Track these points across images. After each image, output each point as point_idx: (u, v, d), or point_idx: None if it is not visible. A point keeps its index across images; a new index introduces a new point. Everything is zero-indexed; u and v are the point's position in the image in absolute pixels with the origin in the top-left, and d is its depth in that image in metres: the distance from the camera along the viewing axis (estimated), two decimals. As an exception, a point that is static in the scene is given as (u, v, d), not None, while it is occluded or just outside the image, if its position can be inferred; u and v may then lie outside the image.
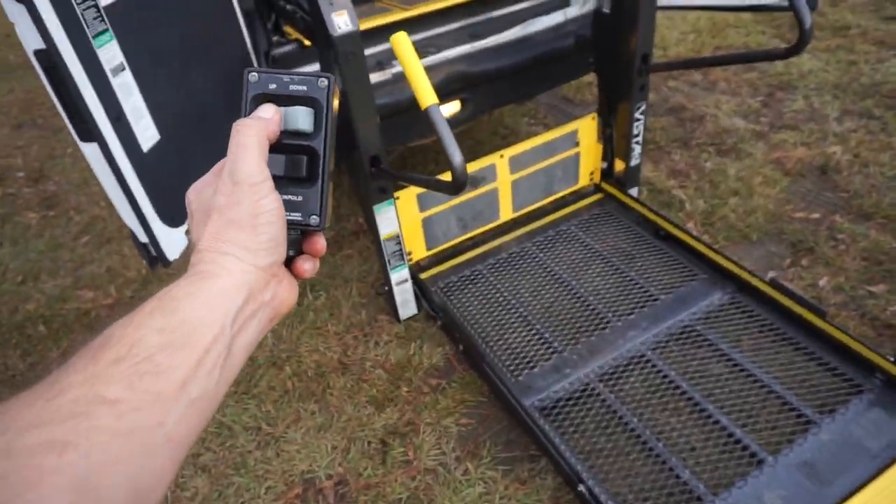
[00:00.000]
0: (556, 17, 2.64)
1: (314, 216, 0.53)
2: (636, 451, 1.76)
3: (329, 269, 2.68)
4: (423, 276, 2.38)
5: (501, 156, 2.40)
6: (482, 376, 2.04)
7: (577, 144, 2.57)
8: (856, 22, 4.07)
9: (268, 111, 0.52)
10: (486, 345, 2.09)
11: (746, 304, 2.05)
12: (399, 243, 2.17)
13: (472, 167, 2.34)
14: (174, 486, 1.93)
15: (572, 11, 2.66)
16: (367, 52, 2.37)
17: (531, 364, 2.00)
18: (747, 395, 1.82)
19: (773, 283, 1.98)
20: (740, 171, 2.87)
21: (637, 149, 2.52)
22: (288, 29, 2.58)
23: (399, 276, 2.24)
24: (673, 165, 3.00)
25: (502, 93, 2.63)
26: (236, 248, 0.48)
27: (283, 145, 0.52)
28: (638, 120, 2.44)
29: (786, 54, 1.88)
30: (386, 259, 2.17)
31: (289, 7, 2.29)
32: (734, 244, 2.50)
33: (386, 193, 2.03)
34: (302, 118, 0.52)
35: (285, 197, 0.51)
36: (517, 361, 2.02)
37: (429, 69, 2.39)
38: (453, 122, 2.54)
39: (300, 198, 0.52)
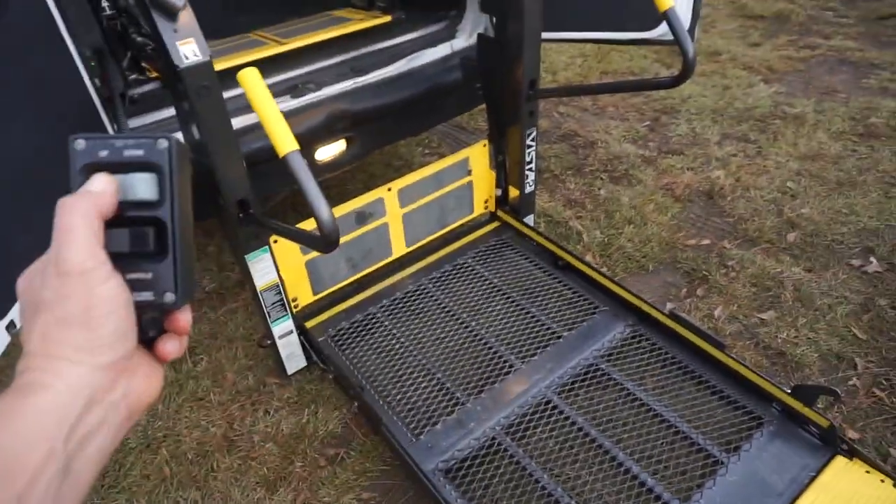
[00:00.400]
0: (442, 50, 2.55)
1: (168, 293, 0.47)
2: None
3: (211, 328, 2.42)
4: (310, 323, 2.18)
5: (389, 189, 2.25)
6: (379, 437, 1.88)
7: (469, 173, 2.47)
8: (726, 48, 4.31)
9: (98, 183, 0.45)
10: (383, 401, 1.91)
11: (648, 336, 2.02)
12: (280, 293, 1.95)
13: (359, 202, 2.18)
14: None
15: (459, 43, 2.59)
16: (238, 91, 2.17)
17: (433, 420, 1.85)
18: (655, 438, 1.78)
19: (673, 316, 1.97)
20: (633, 198, 2.90)
21: (531, 175, 2.45)
22: (148, 65, 2.32)
23: (282, 329, 2.03)
24: (568, 195, 2.99)
25: (390, 130, 2.51)
26: (69, 350, 0.42)
27: (125, 218, 0.46)
28: (529, 146, 2.37)
29: (673, 83, 1.88)
30: (265, 311, 1.95)
31: (140, 39, 2.06)
32: (632, 275, 2.50)
33: (258, 240, 1.82)
34: (142, 186, 0.46)
35: (132, 276, 0.46)
36: (418, 418, 1.86)
37: (309, 108, 2.22)
38: (339, 163, 2.37)
39: (150, 275, 0.46)
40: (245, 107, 2.08)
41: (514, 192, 2.49)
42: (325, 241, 1.38)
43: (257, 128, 2.06)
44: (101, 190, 0.45)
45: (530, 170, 2.42)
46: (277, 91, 2.23)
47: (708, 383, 1.86)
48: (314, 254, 2.12)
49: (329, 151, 2.30)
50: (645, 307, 2.03)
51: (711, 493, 1.57)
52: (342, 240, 2.17)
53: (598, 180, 3.08)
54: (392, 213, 2.29)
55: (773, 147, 3.18)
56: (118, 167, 0.46)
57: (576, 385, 1.92)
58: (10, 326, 1.33)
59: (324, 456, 1.94)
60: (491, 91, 2.40)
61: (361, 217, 2.21)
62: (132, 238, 0.46)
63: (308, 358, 2.15)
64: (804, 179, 2.91)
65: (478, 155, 2.45)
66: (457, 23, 2.63)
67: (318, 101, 2.24)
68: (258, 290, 1.89)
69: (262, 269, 1.87)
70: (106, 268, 0.44)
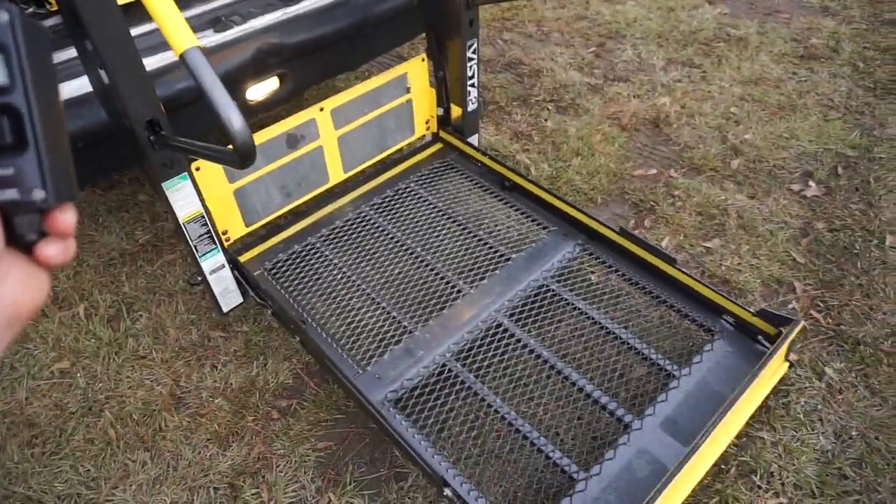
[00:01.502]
0: None
1: (37, 190, 0.42)
2: (502, 436, 1.70)
3: (148, 282, 2.30)
4: (244, 257, 2.05)
5: (322, 109, 2.09)
6: (325, 371, 1.83)
7: (407, 90, 2.32)
8: (672, -34, 4.19)
9: None
10: (326, 334, 1.85)
11: (598, 255, 2.00)
12: (206, 225, 1.80)
13: (289, 124, 2.03)
14: (-29, 589, 1.57)
15: (394, -34, 2.41)
16: (146, 27, 1.96)
17: (380, 350, 1.80)
18: (608, 356, 1.81)
19: (623, 232, 1.94)
20: (580, 129, 2.85)
21: (473, 92, 2.33)
22: (49, -4, 2.08)
23: (213, 263, 1.89)
24: (515, 127, 2.92)
25: (327, 64, 2.34)
26: None
27: None
28: (471, 59, 2.23)
29: None
30: (192, 246, 1.81)
31: None
32: (581, 208, 2.48)
33: (175, 167, 1.66)
34: None
35: None
36: (364, 349, 1.82)
37: (235, 43, 2.04)
38: (273, 101, 2.22)
39: (11, 170, 0.41)
40: (156, 45, 1.90)
41: (456, 112, 2.37)
42: (239, 154, 1.23)
43: (170, 70, 1.89)
44: None
45: (472, 85, 2.30)
46: (197, 25, 2.03)
47: (659, 298, 1.86)
48: (242, 181, 1.98)
49: (261, 90, 2.14)
50: (594, 225, 2.00)
51: (663, 406, 1.59)
52: (273, 166, 2.05)
53: (545, 111, 3.01)
54: (326, 135, 2.14)
55: (718, 71, 3.16)
56: None
57: (526, 307, 1.90)
58: None
59: (276, 408, 1.90)
60: (428, 3, 2.25)
61: (293, 140, 2.06)
62: None
63: (244, 293, 2.03)
64: (747, 104, 2.92)
65: (416, 70, 2.30)
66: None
67: (246, 35, 2.05)
68: (181, 221, 1.75)
69: (182, 199, 1.72)
70: None
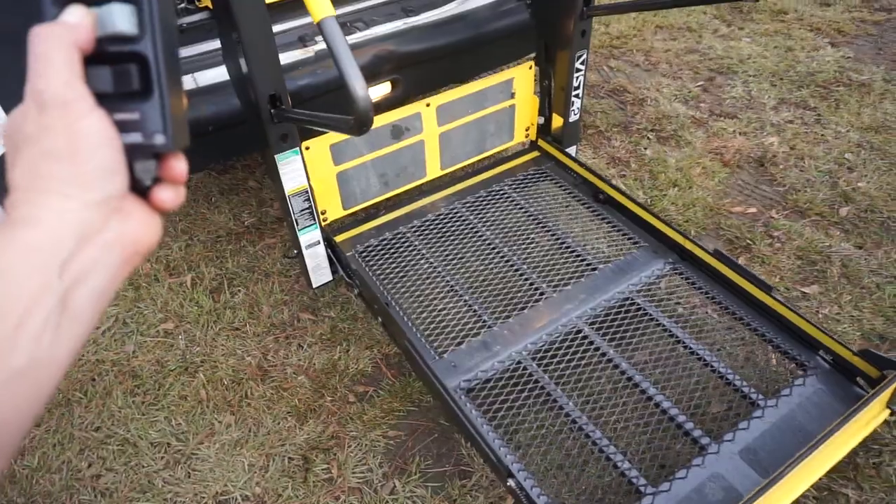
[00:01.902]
0: None
1: (158, 134, 0.44)
2: (571, 440, 1.70)
3: (249, 261, 2.47)
4: (339, 238, 2.15)
5: (428, 104, 2.18)
6: (402, 353, 1.89)
7: (512, 96, 2.38)
8: (793, 6, 4.07)
9: (74, 14, 0.42)
10: (408, 318, 1.91)
11: (689, 275, 1.95)
12: (308, 200, 1.91)
13: (396, 115, 2.12)
14: (69, 514, 1.74)
15: (511, -13, 2.49)
16: (285, 26, 2.13)
17: (458, 340, 1.84)
18: (689, 375, 1.77)
19: (717, 254, 1.90)
20: (680, 160, 2.82)
21: (576, 102, 2.36)
22: (198, -7, 2.30)
23: (309, 238, 2.00)
24: (613, 153, 2.92)
25: (437, 74, 2.45)
26: (56, 184, 0.41)
27: (105, 54, 0.43)
28: (578, 70, 2.27)
29: None
30: (293, 218, 1.92)
31: None
32: (672, 239, 2.45)
33: (289, 141, 1.78)
34: (120, 18, 0.43)
35: (118, 116, 0.43)
36: (442, 337, 1.86)
37: (356, 47, 2.18)
38: (381, 105, 2.34)
39: (137, 115, 0.44)
40: (295, 42, 2.06)
41: (557, 122, 2.41)
42: (357, 121, 1.30)
43: (305, 64, 2.04)
44: (76, 21, 0.42)
45: (576, 96, 2.33)
46: None
47: (749, 325, 1.80)
48: (345, 165, 2.09)
49: (373, 93, 2.27)
50: (688, 245, 1.96)
51: (743, 434, 1.52)
52: (376, 154, 2.15)
53: (645, 139, 2.99)
54: (429, 130, 2.23)
55: (834, 116, 3.03)
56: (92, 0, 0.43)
57: (609, 317, 1.89)
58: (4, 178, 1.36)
59: (353, 392, 1.99)
60: (542, 8, 2.29)
61: (398, 131, 2.16)
62: (114, 75, 0.43)
63: (334, 272, 2.13)
64: (864, 152, 2.78)
65: (523, 77, 2.36)
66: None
67: (366, 41, 2.19)
68: (286, 193, 1.87)
69: (291, 172, 1.84)
70: (88, 101, 0.42)
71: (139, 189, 0.45)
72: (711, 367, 1.73)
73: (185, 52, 2.11)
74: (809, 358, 1.68)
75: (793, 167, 2.74)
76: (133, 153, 0.44)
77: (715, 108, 3.19)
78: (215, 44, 2.15)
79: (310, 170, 1.89)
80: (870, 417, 1.52)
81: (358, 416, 1.92)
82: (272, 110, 1.67)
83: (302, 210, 1.92)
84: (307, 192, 1.90)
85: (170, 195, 0.47)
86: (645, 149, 2.93)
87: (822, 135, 2.91)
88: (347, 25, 2.21)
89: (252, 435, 1.90)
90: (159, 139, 0.44)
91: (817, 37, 3.73)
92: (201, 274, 2.43)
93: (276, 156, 1.77)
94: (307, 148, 1.91)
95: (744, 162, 2.81)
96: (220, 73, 2.08)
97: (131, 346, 2.18)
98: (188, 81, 2.03)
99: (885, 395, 1.48)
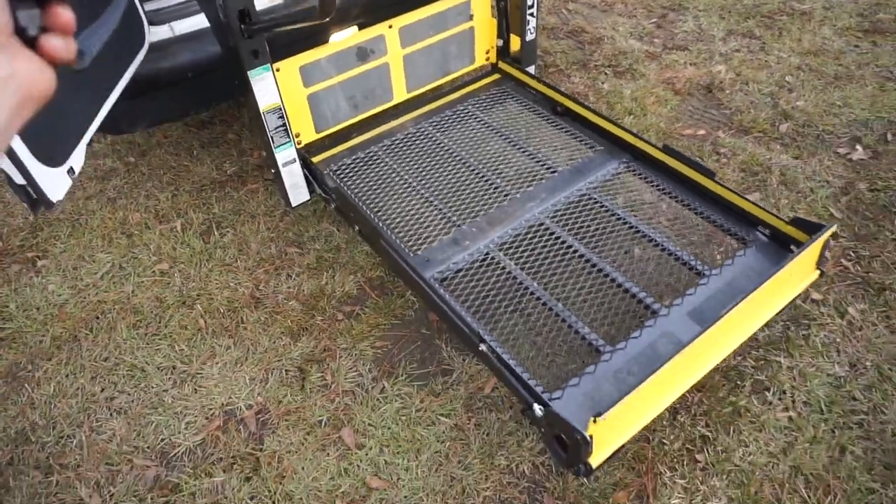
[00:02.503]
0: None
1: None
2: (536, 314, 1.90)
3: (234, 206, 2.62)
4: (314, 159, 2.28)
5: (390, 26, 2.31)
6: (380, 255, 2.05)
7: (470, 17, 2.51)
8: (742, -57, 4.21)
9: None
10: (382, 223, 2.08)
11: (641, 171, 2.15)
12: (282, 117, 2.02)
13: (360, 37, 2.25)
14: (88, 430, 1.91)
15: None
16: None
17: (430, 239, 2.02)
18: (643, 254, 1.98)
19: (666, 149, 2.09)
20: (635, 91, 3.00)
21: (532, 21, 2.50)
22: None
23: (286, 156, 2.10)
24: (573, 88, 3.08)
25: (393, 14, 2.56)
26: None
27: None
28: None
29: None
30: (269, 136, 2.01)
31: None
32: (628, 162, 2.64)
33: (260, 57, 1.86)
34: None
35: None
36: (415, 237, 2.04)
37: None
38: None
39: None
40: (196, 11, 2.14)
41: (515, 43, 2.56)
42: (322, 7, 1.39)
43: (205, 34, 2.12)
44: None
45: (531, 15, 2.47)
46: None
47: (696, 210, 1.99)
48: (316, 87, 2.22)
49: (341, 36, 2.39)
50: (640, 144, 2.16)
51: (691, 298, 1.71)
52: (343, 76, 2.28)
53: (602, 75, 3.16)
54: (393, 52, 2.36)
55: (777, 43, 3.22)
56: None
57: (568, 211, 2.09)
58: (70, 171, 1.51)
59: (341, 312, 2.17)
60: None
61: (363, 53, 2.28)
62: None
63: (311, 191, 2.25)
64: (803, 74, 2.99)
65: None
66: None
67: None
68: (261, 110, 1.96)
69: (264, 89, 1.93)
70: None
71: (27, 38, 0.45)
72: (662, 247, 1.93)
73: (160, 3, 2.22)
74: (749, 233, 1.88)
75: (738, 91, 2.93)
76: (14, 2, 0.43)
77: (668, 42, 3.36)
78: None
79: (283, 92, 2.00)
80: (800, 276, 1.72)
81: (347, 332, 2.10)
82: (242, 25, 1.77)
83: (277, 127, 2.03)
84: (280, 109, 2.00)
85: (58, 43, 0.46)
86: (602, 83, 3.10)
87: (766, 61, 3.11)
88: None
89: (251, 354, 2.07)
90: None
91: (764, -29, 3.89)
92: (190, 220, 2.57)
93: (249, 72, 1.87)
94: (278, 70, 2.01)
95: (694, 89, 2.99)
96: (195, 22, 2.19)
97: (130, 286, 2.33)
98: (165, 31, 2.15)
99: (812, 251, 1.66)
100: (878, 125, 2.65)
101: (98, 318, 2.24)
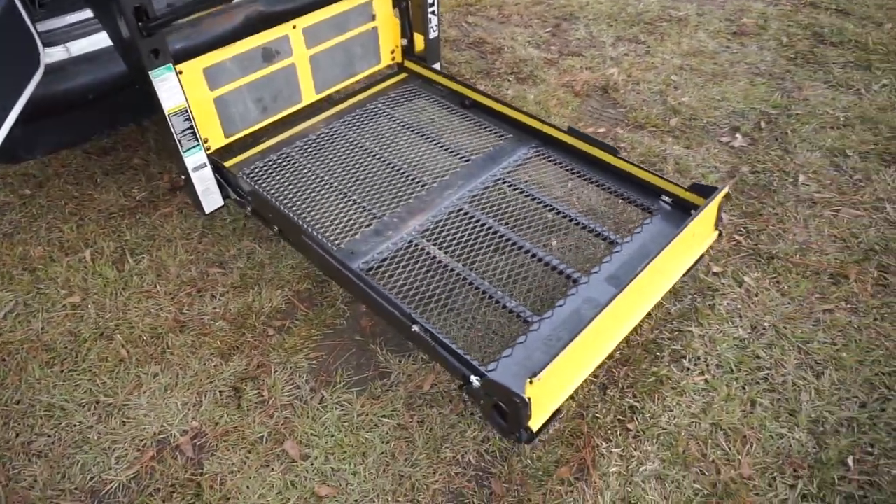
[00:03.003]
0: None
1: None
2: (464, 293, 1.96)
3: (147, 231, 2.52)
4: (227, 164, 2.23)
5: (294, 26, 2.31)
6: (302, 250, 2.04)
7: (373, 17, 2.56)
8: (620, -43, 4.55)
9: None
10: (302, 221, 2.07)
11: (550, 154, 2.27)
12: (189, 120, 1.96)
13: (265, 38, 2.24)
14: (5, 479, 1.78)
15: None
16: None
17: (352, 232, 2.04)
18: (559, 230, 2.10)
19: (571, 131, 2.22)
20: (538, 95, 3.16)
21: (434, 20, 2.59)
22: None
23: (195, 160, 2.04)
24: (479, 96, 3.20)
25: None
26: None
27: None
28: None
29: None
30: (177, 140, 1.94)
31: None
32: (538, 161, 2.79)
33: (161, 57, 1.79)
34: None
35: None
36: (337, 231, 2.04)
37: (227, 12, 2.28)
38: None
39: None
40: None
41: (419, 42, 2.65)
42: None
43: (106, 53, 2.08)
44: None
45: (433, 13, 2.56)
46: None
47: (603, 185, 2.13)
48: (221, 90, 2.19)
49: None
50: (546, 128, 2.28)
51: (608, 266, 1.83)
52: (250, 78, 2.25)
53: (506, 82, 3.31)
54: (299, 53, 2.37)
55: (661, 46, 3.50)
56: None
57: (485, 195, 2.18)
58: None
59: (271, 327, 2.15)
60: None
61: (268, 54, 2.27)
62: None
63: (225, 196, 2.20)
64: (685, 73, 3.26)
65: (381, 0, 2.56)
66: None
67: (236, 4, 2.30)
68: (167, 113, 1.89)
69: (168, 90, 1.86)
70: None
71: None
72: (577, 221, 2.05)
73: (53, 24, 2.13)
74: (653, 203, 2.03)
75: (631, 91, 3.16)
76: None
77: (563, 49, 3.57)
78: (84, 14, 2.18)
79: (187, 95, 1.94)
80: (702, 237, 1.88)
81: (279, 346, 2.08)
82: (139, 23, 1.70)
83: (184, 130, 1.97)
84: (186, 111, 1.95)
85: None
86: (507, 90, 3.24)
87: (652, 62, 3.37)
88: None
89: (180, 378, 2.01)
90: None
91: (642, -18, 4.22)
92: (100, 248, 2.45)
93: (150, 73, 1.80)
94: (180, 72, 1.95)
95: (591, 91, 3.20)
96: (93, 42, 2.12)
97: (38, 323, 2.19)
98: (61, 52, 2.06)
99: (709, 212, 1.82)
100: (752, 115, 2.94)
101: (5, 359, 2.09)
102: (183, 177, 2.08)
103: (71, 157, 2.92)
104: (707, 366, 1.94)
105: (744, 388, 1.88)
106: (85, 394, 1.98)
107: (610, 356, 1.96)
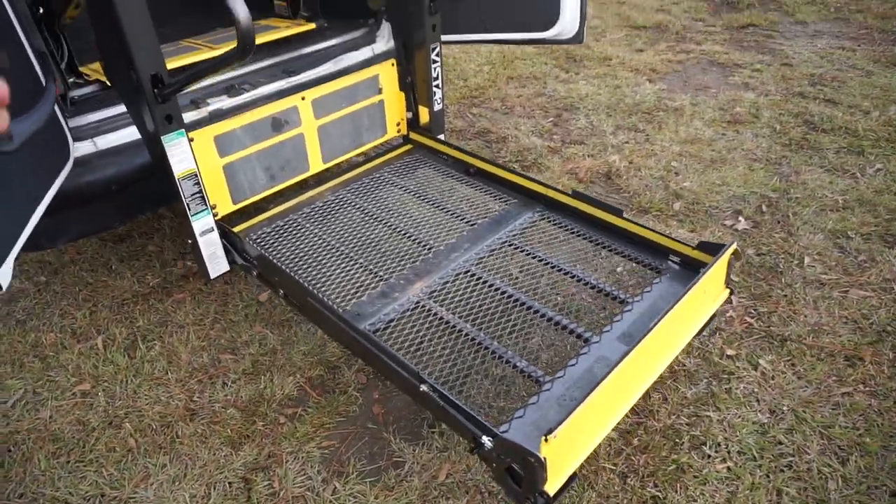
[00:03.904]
0: (364, 53, 2.81)
1: None
2: (472, 354, 1.91)
3: (160, 317, 2.53)
4: (234, 229, 2.26)
5: (303, 98, 2.41)
6: (309, 316, 2.03)
7: (379, 91, 2.67)
8: (615, 53, 4.82)
9: None
10: (307, 283, 2.06)
11: (555, 218, 2.30)
12: (198, 184, 2.02)
13: (274, 108, 2.32)
14: (3, 580, 1.70)
15: (379, 47, 2.85)
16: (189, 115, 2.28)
17: (358, 294, 2.03)
18: (568, 290, 2.09)
19: (575, 194, 2.26)
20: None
21: (438, 93, 2.69)
22: (85, 69, 2.45)
23: (203, 225, 2.07)
24: (486, 182, 3.31)
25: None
26: None
27: None
28: (435, 61, 2.62)
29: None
30: (185, 204, 1.99)
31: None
32: (546, 245, 2.84)
33: (174, 122, 1.87)
34: None
35: None
36: (343, 294, 2.03)
37: (245, 106, 2.40)
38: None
39: None
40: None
41: (424, 115, 2.74)
42: (241, 45, 1.44)
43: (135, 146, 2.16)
44: None
45: (437, 87, 2.67)
46: (214, 91, 2.39)
47: (611, 247, 2.15)
48: (231, 157, 2.25)
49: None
50: (551, 193, 2.33)
51: (619, 324, 1.81)
52: (259, 146, 2.32)
53: (512, 169, 3.42)
54: (307, 123, 2.45)
55: (659, 134, 3.65)
56: None
57: (492, 257, 2.19)
58: None
59: (283, 415, 2.12)
60: (396, 12, 2.64)
61: (277, 123, 2.35)
62: None
63: (231, 262, 2.21)
64: (685, 159, 3.38)
65: (387, 74, 2.68)
66: (375, 30, 2.91)
67: (254, 100, 2.43)
68: (176, 177, 1.94)
69: (179, 154, 1.93)
70: None
71: None
72: (585, 281, 2.05)
73: (82, 120, 2.24)
74: (661, 262, 2.04)
75: (633, 177, 3.26)
76: None
77: (565, 137, 3.72)
78: (109, 111, 2.29)
79: (198, 162, 2.00)
80: (713, 295, 1.88)
81: (291, 435, 2.04)
82: (155, 90, 1.79)
83: (193, 194, 2.02)
84: (196, 175, 2.00)
85: None
86: (512, 177, 3.34)
87: (652, 150, 3.50)
88: (235, 87, 2.43)
89: (189, 470, 1.96)
90: None
91: (637, 76, 4.45)
92: (112, 335, 2.46)
93: (162, 138, 1.87)
94: (192, 139, 2.02)
95: (595, 177, 3.30)
96: (118, 137, 2.22)
97: (47, 411, 2.16)
98: (88, 146, 2.16)
99: (719, 269, 1.82)
100: (753, 199, 3.02)
101: (10, 450, 2.05)
102: (189, 241, 2.10)
103: (87, 244, 2.98)
104: (728, 452, 1.89)
105: (768, 477, 1.83)
106: (90, 486, 1.92)
107: (628, 443, 1.93)
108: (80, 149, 2.13)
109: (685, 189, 3.11)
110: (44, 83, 1.83)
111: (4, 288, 1.48)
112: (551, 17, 2.81)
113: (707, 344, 2.25)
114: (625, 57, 4.78)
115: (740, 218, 2.89)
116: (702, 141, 3.55)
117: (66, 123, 2.05)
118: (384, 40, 2.85)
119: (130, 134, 2.13)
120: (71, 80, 2.40)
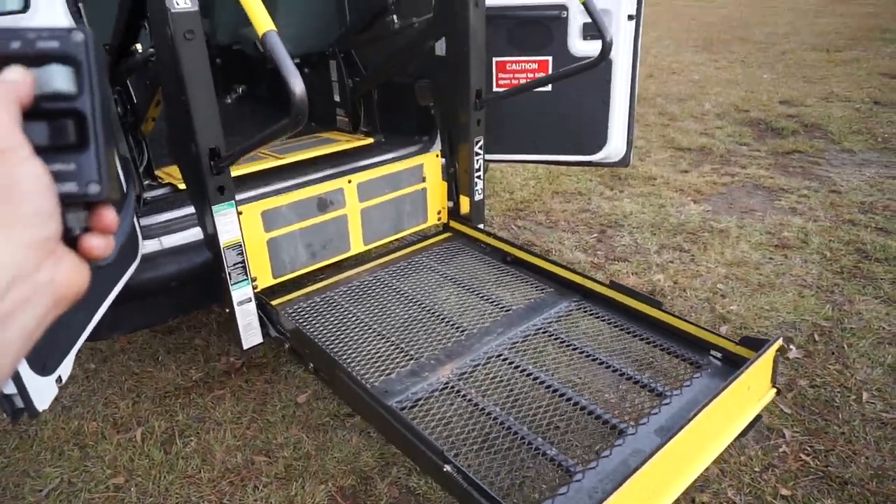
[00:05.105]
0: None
1: (93, 184, 0.46)
2: (501, 438, 1.81)
3: (199, 413, 2.56)
4: (272, 302, 2.29)
5: (350, 181, 2.51)
6: (336, 390, 1.98)
7: (423, 179, 2.76)
8: (659, 174, 4.94)
9: (15, 73, 0.44)
10: (339, 360, 2.02)
11: (592, 308, 2.26)
12: (242, 254, 2.07)
13: (321, 189, 2.42)
14: None
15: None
16: (242, 195, 2.44)
17: (388, 371, 2.00)
18: (603, 379, 2.00)
19: (613, 284, 2.22)
20: (586, 297, 3.26)
21: (479, 184, 2.76)
22: (160, 173, 2.65)
23: (242, 294, 2.12)
24: (529, 294, 3.33)
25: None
26: None
27: (43, 111, 0.45)
28: (478, 154, 2.71)
29: (595, 63, 2.27)
30: (227, 272, 2.04)
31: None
32: (588, 363, 2.79)
33: (226, 193, 1.97)
34: (60, 78, 0.45)
35: (54, 167, 0.45)
36: (372, 370, 2.01)
37: (294, 186, 2.53)
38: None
39: (73, 166, 0.46)
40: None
41: (465, 204, 2.81)
42: (295, 115, 1.50)
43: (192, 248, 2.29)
44: (17, 79, 0.44)
45: (478, 178, 2.74)
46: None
47: (649, 339, 2.09)
48: (276, 232, 2.32)
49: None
50: (588, 283, 2.30)
51: (656, 417, 1.73)
52: (303, 224, 2.41)
53: (555, 282, 3.44)
54: (351, 205, 2.53)
55: (704, 255, 3.64)
56: (32, 59, 0.45)
57: (525, 342, 2.14)
58: (58, 380, 1.51)
59: (311, 526, 2.06)
60: (443, 104, 2.77)
61: (322, 204, 2.44)
62: (52, 130, 0.45)
63: (265, 335, 2.23)
64: (731, 282, 3.35)
65: (431, 164, 2.79)
66: (430, 145, 3.08)
67: (304, 181, 2.57)
68: (222, 245, 2.01)
69: (226, 224, 2.01)
70: (27, 149, 0.42)
71: (68, 238, 0.47)
72: (621, 372, 1.98)
73: (152, 220, 2.39)
74: (702, 357, 1.97)
75: (678, 297, 3.23)
76: (67, 202, 0.45)
77: (609, 254, 3.75)
78: (177, 213, 2.45)
79: (243, 233, 2.08)
80: (758, 394, 1.78)
81: (317, 548, 1.98)
82: (211, 162, 1.90)
83: (235, 264, 2.08)
84: (240, 245, 2.07)
85: (100, 243, 0.48)
86: (555, 290, 3.36)
87: (697, 270, 3.48)
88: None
89: (211, 579, 1.90)
90: (93, 189, 0.46)
91: (682, 196, 4.52)
92: (151, 428, 2.48)
93: (213, 207, 1.96)
94: (240, 213, 2.11)
95: (638, 296, 3.28)
96: (182, 237, 2.36)
97: (79, 503, 2.16)
98: (154, 244, 2.29)
99: (763, 367, 1.75)
100: (805, 327, 2.94)
101: (38, 542, 2.03)
102: (227, 310, 2.14)
103: (138, 335, 3.08)
104: None
105: None
106: (111, 589, 1.88)
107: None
108: (147, 246, 2.27)
109: (732, 313, 3.06)
110: (125, 189, 1.98)
111: (64, 381, 1.54)
112: (600, 141, 2.94)
113: (759, 481, 2.12)
114: (669, 177, 4.88)
115: (791, 346, 2.80)
116: (748, 264, 3.52)
117: (139, 223, 2.20)
118: (436, 148, 3.01)
119: (193, 234, 2.27)
120: (147, 182, 2.60)
